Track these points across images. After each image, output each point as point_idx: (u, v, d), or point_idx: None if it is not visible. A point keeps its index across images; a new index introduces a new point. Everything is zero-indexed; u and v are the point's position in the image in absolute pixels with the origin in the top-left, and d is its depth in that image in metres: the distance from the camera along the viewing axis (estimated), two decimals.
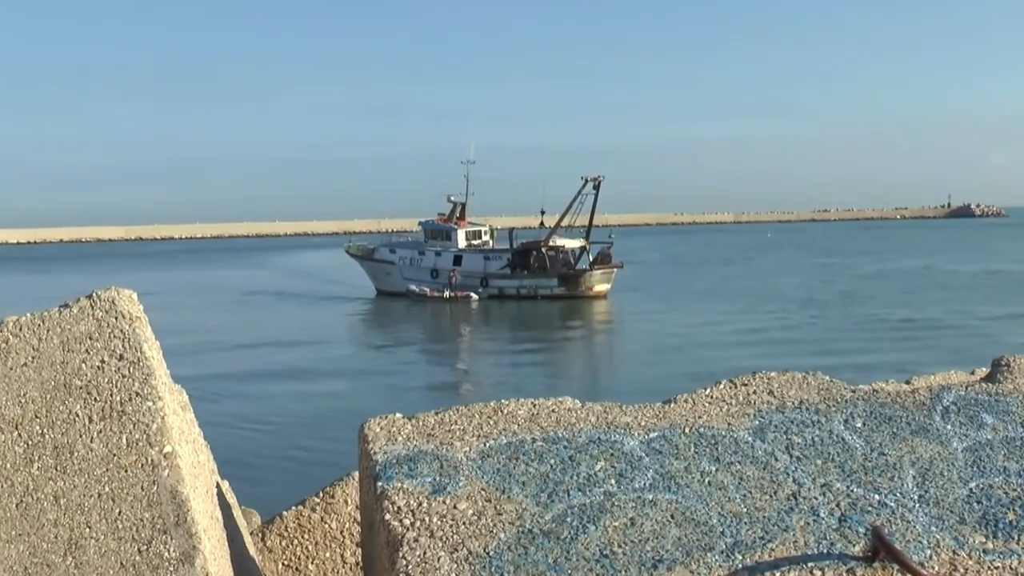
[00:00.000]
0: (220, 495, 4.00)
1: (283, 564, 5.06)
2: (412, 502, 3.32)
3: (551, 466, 3.50)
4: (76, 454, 3.26)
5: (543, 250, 60.32)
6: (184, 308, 57.61)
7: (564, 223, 61.84)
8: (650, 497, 3.36)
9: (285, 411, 26.73)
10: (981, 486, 3.47)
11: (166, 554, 3.14)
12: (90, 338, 3.46)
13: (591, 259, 60.30)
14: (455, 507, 3.30)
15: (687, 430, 3.73)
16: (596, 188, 60.29)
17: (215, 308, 57.84)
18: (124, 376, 3.41)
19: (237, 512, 4.77)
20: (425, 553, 3.12)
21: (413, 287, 61.10)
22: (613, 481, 3.44)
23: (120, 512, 3.18)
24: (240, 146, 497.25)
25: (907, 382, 4.37)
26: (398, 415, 3.84)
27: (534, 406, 3.87)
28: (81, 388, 3.37)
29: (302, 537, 5.10)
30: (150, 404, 3.36)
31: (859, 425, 3.80)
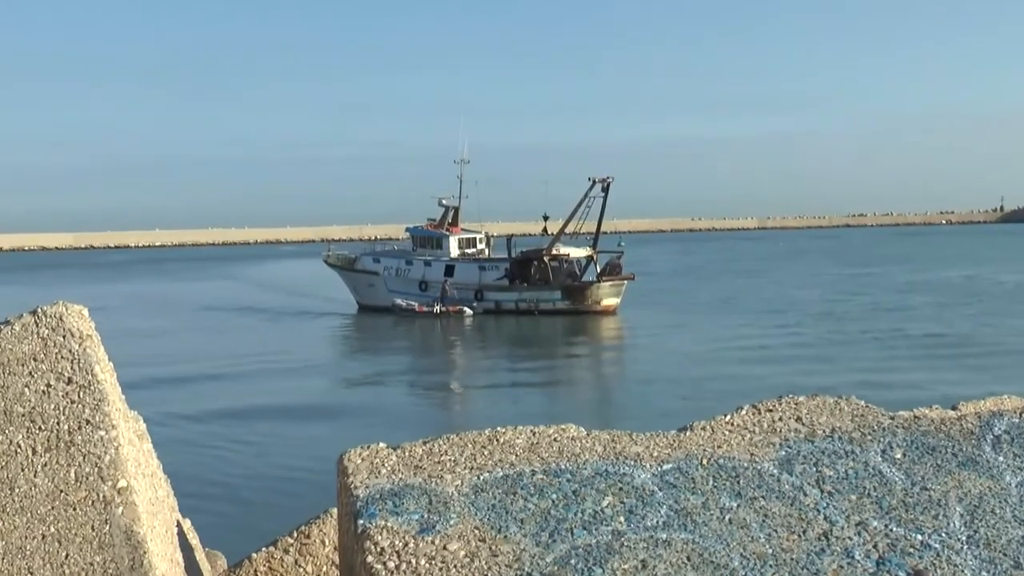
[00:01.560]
0: (181, 535, 3.99)
1: None
2: (397, 542, 3.31)
3: (553, 502, 3.50)
4: (17, 490, 3.25)
5: (545, 259, 60.37)
6: (142, 325, 57.55)
7: (569, 229, 61.90)
8: (663, 537, 3.36)
9: (255, 440, 26.66)
10: None
11: None
12: (34, 359, 3.46)
13: (599, 270, 60.35)
14: (445, 548, 3.30)
15: (705, 461, 3.72)
16: (605, 190, 60.36)
17: (177, 325, 57.75)
18: (73, 402, 3.40)
19: (200, 555, 4.76)
20: None
21: (399, 301, 61.10)
22: (622, 519, 3.43)
23: (67, 556, 3.17)
24: (205, 145, 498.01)
25: (953, 408, 4.38)
26: (381, 445, 3.83)
27: (533, 434, 3.87)
28: (24, 416, 3.36)
29: None
30: (102, 433, 3.35)
31: (898, 456, 3.80)
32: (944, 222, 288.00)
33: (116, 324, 55.77)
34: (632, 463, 3.69)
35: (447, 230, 64.56)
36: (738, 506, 3.51)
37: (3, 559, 3.19)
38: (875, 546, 3.35)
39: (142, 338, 48.28)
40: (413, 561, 3.24)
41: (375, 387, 35.75)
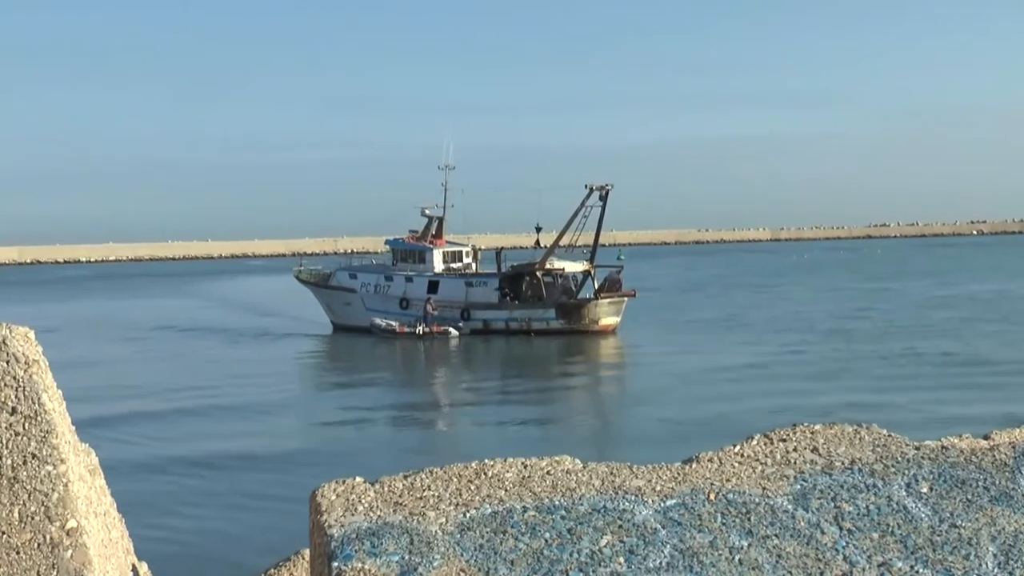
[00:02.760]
0: None
1: None
2: None
3: (546, 541, 3.49)
4: None
5: (538, 274, 60.42)
6: (92, 348, 57.35)
7: (564, 242, 62.02)
8: None
9: (219, 474, 26.57)
10: None
11: None
12: None
13: (597, 286, 60.43)
14: None
15: (712, 496, 3.73)
16: (603, 199, 60.52)
17: (131, 348, 57.59)
18: (17, 434, 3.39)
19: None
20: None
21: (378, 320, 61.05)
22: (622, 559, 3.43)
23: None
24: (163, 148, 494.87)
25: (985, 437, 4.39)
26: (358, 479, 3.82)
27: (525, 467, 3.87)
28: None
29: None
30: (50, 468, 3.34)
31: (925, 490, 3.81)
32: (975, 232, 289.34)
33: (64, 348, 55.74)
34: (633, 498, 3.70)
35: (430, 243, 64.60)
36: (749, 545, 3.51)
37: None
38: None
39: (92, 363, 48.13)
40: None
41: (351, 416, 35.64)
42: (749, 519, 3.63)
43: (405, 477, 3.84)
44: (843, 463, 3.95)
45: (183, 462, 28.18)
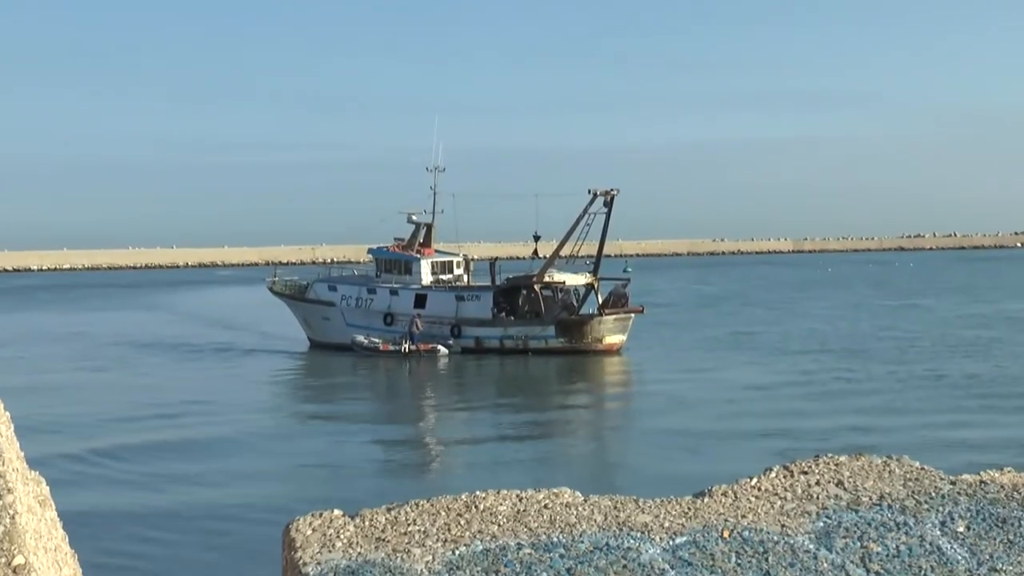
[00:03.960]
0: None
1: None
2: None
3: None
4: None
5: (536, 288, 60.44)
6: (43, 366, 57.25)
7: (564, 252, 62.04)
8: None
9: (181, 508, 26.50)
10: None
11: None
12: None
13: (600, 301, 60.45)
14: None
15: (726, 534, 3.73)
16: (608, 205, 60.61)
17: (86, 366, 57.48)
18: None
19: None
20: None
21: (360, 337, 61.02)
22: None
23: None
24: (122, 145, 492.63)
25: None
26: (336, 512, 3.82)
27: (520, 500, 3.87)
28: None
29: None
30: None
31: (961, 530, 3.81)
32: (1019, 244, 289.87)
33: (10, 367, 55.58)
34: (639, 535, 3.69)
35: (418, 252, 64.59)
36: None
37: None
38: None
39: (41, 385, 48.00)
40: None
41: (329, 442, 35.58)
42: (767, 559, 3.63)
43: (388, 510, 3.84)
44: (871, 498, 3.95)
45: (144, 493, 28.12)
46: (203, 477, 29.82)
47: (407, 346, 59.23)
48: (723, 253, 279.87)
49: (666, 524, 3.76)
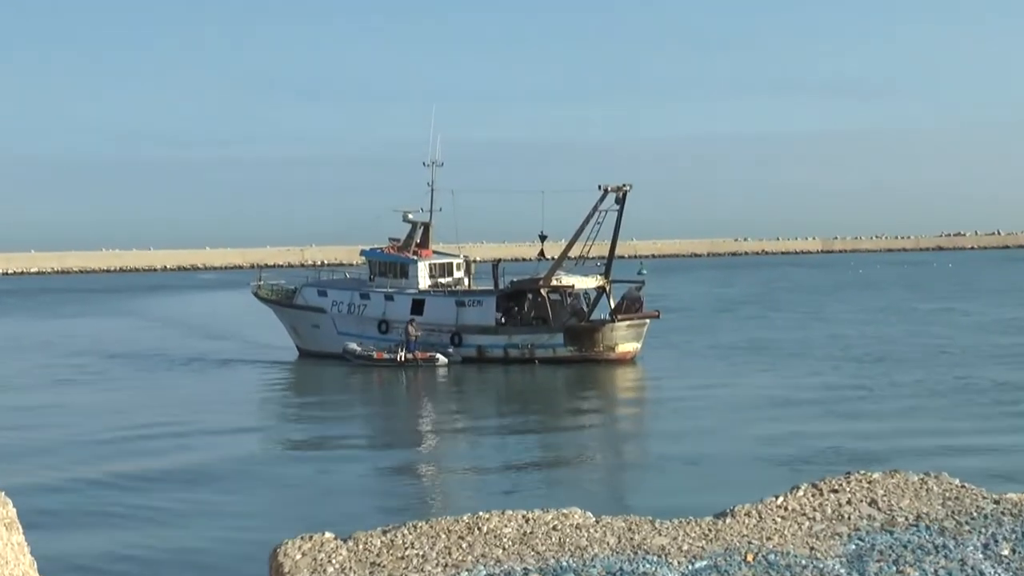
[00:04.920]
0: None
1: None
2: None
3: None
4: None
5: (543, 292, 60.43)
6: (7, 376, 57.27)
7: (573, 253, 62.03)
8: None
9: (160, 532, 26.52)
10: None
11: None
12: None
13: (613, 305, 60.43)
14: None
15: (750, 557, 3.73)
16: (620, 202, 60.61)
17: (51, 378, 57.51)
18: None
19: None
20: None
21: (353, 346, 61.01)
22: None
23: None
24: (94, 142, 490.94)
25: None
26: (328, 535, 3.82)
27: (526, 521, 3.87)
28: None
29: None
30: None
31: (1006, 553, 3.81)
32: None
33: None
34: (655, 559, 3.70)
35: (415, 253, 64.58)
36: None
37: None
38: None
39: (19, 386, 48.01)
40: None
41: (320, 459, 35.61)
42: None
43: (384, 532, 3.84)
44: (907, 519, 3.95)
45: (118, 516, 28.15)
46: (183, 502, 29.79)
47: (403, 355, 59.16)
48: (746, 253, 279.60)
49: (685, 547, 3.76)
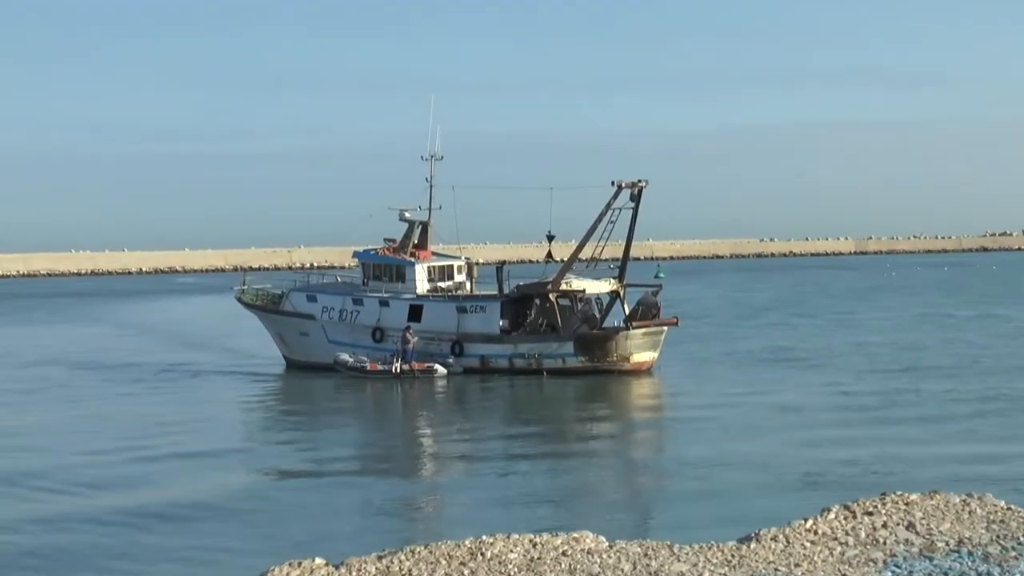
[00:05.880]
0: None
1: None
2: None
3: None
4: None
5: (552, 297, 60.37)
6: None
7: (584, 255, 61.98)
8: None
9: (141, 556, 26.54)
10: None
11: None
12: None
13: (628, 312, 60.37)
14: None
15: None
16: (635, 199, 60.54)
17: (9, 388, 57.44)
18: None
19: None
20: None
21: (344, 356, 60.93)
22: None
23: None
24: (61, 135, 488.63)
25: None
26: (318, 560, 3.85)
27: (534, 546, 3.89)
28: None
29: None
30: None
31: None
32: None
33: None
34: None
35: (412, 255, 64.50)
36: None
37: None
38: None
39: None
40: None
41: (309, 478, 35.57)
42: None
43: (379, 558, 3.87)
44: (948, 544, 3.97)
45: (93, 548, 28.12)
46: (161, 525, 29.77)
47: (399, 366, 59.05)
48: (772, 255, 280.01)
49: (706, 574, 3.78)
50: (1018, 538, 3.70)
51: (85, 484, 35.29)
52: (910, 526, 3.81)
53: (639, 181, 60.64)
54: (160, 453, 40.39)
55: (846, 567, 3.81)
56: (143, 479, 35.90)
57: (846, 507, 3.81)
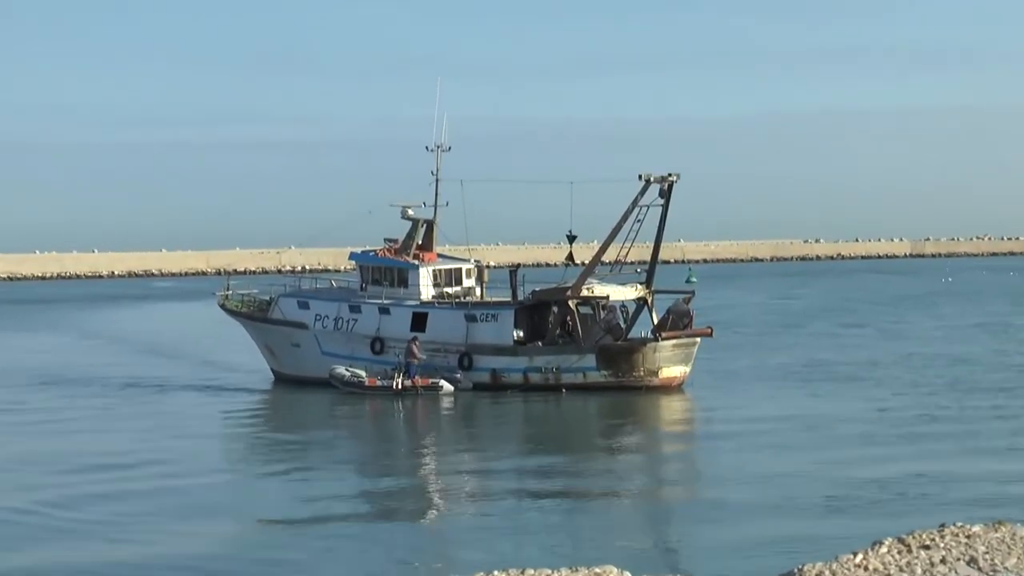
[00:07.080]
0: None
1: None
2: None
3: None
4: None
5: (572, 304, 60.31)
6: None
7: (608, 257, 61.95)
8: None
9: None
10: None
11: None
12: None
13: (656, 321, 60.33)
14: None
15: None
16: (665, 195, 60.48)
17: None
18: None
19: None
20: None
21: (340, 370, 60.83)
22: None
23: None
24: (18, 122, 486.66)
25: None
26: None
27: None
28: None
29: None
30: None
31: None
32: None
33: None
34: None
35: (415, 257, 64.43)
36: None
37: None
38: None
39: None
40: None
41: (302, 509, 35.54)
42: None
43: None
44: None
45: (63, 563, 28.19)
46: (143, 560, 29.84)
47: (401, 381, 58.81)
48: (817, 258, 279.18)
49: None
50: None
51: (30, 492, 35.34)
52: (972, 561, 3.81)
53: (669, 175, 60.54)
54: (131, 470, 40.34)
55: None
56: (90, 534, 33.04)
57: (900, 540, 3.81)
